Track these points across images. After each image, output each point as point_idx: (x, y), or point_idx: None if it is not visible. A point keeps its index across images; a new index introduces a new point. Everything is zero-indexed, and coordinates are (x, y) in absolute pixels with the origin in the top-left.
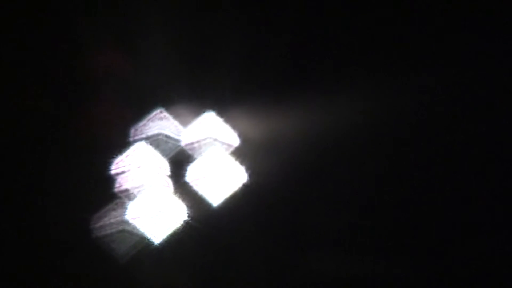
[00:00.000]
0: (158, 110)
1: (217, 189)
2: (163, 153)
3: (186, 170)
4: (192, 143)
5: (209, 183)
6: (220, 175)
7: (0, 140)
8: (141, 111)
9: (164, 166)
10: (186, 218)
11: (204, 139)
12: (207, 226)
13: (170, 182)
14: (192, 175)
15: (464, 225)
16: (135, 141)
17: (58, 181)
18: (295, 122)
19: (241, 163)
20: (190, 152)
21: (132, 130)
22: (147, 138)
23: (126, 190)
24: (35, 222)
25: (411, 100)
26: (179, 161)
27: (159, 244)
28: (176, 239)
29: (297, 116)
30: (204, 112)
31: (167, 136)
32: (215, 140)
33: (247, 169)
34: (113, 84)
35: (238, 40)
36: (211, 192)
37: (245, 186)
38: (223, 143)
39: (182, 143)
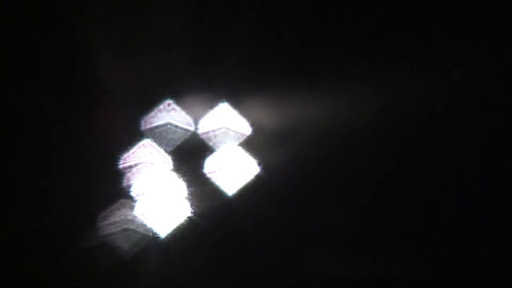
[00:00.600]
0: (166, 102)
1: (229, 182)
2: (172, 142)
3: (197, 163)
4: (205, 134)
5: (220, 176)
6: (232, 167)
7: (7, 139)
8: (150, 105)
9: (172, 161)
10: (192, 214)
11: (217, 130)
12: (214, 221)
13: (178, 177)
14: (203, 168)
15: (466, 225)
16: (143, 132)
17: (64, 179)
18: (309, 113)
19: (254, 154)
20: (201, 143)
21: (141, 122)
22: (155, 128)
23: (133, 187)
24: (39, 220)
25: (431, 93)
26: (190, 153)
27: (164, 241)
28: (182, 236)
29: (311, 107)
30: (217, 103)
31: (176, 126)
32: (228, 131)
33: (260, 161)
34: (121, 78)
35: (251, 30)
36: (222, 185)
37: (257, 178)
38: (236, 134)
39: (193, 134)
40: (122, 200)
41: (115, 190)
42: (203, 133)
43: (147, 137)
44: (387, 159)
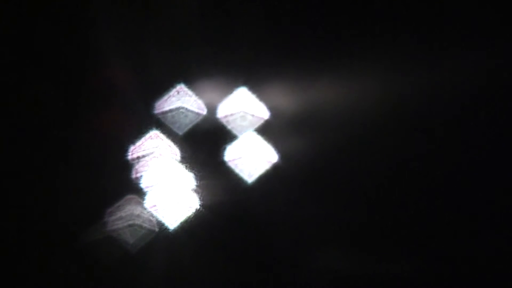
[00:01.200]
0: (178, 87)
1: (244, 172)
2: (183, 126)
3: (210, 152)
4: (222, 119)
5: (235, 165)
6: (249, 155)
7: (13, 135)
8: (163, 90)
9: (182, 152)
10: (202, 207)
11: (234, 115)
12: (224, 215)
13: (188, 169)
14: (216, 157)
15: (471, 223)
16: (151, 124)
17: (71, 174)
18: (331, 98)
19: (272, 142)
20: (216, 131)
21: (149, 113)
22: (167, 113)
23: (141, 180)
24: (46, 214)
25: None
26: (202, 142)
27: (172, 235)
28: (190, 230)
29: (333, 92)
30: (236, 88)
31: (187, 110)
32: (246, 115)
33: (278, 149)
34: (132, 64)
35: (270, 13)
36: (235, 176)
37: (274, 168)
38: (254, 119)
39: (210, 120)
40: (129, 195)
41: (122, 184)
42: (220, 118)
43: (155, 128)
44: (413, 149)
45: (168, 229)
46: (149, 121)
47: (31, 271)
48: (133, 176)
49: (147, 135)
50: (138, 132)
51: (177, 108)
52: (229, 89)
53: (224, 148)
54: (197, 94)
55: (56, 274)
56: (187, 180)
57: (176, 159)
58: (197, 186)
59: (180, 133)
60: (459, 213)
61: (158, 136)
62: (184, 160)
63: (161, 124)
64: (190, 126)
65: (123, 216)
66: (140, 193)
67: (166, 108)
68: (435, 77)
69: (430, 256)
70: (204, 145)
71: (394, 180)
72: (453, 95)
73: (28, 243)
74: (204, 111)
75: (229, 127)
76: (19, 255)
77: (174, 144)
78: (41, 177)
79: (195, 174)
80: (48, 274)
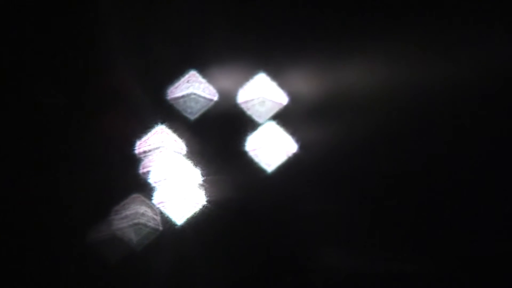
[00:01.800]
0: (190, 73)
1: (260, 164)
2: (194, 112)
3: (223, 141)
4: (238, 107)
5: (249, 157)
6: (266, 145)
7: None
8: (175, 76)
9: (189, 146)
10: (209, 204)
11: (252, 101)
12: (233, 212)
13: (194, 164)
14: (230, 148)
15: (475, 223)
16: (157, 119)
17: (75, 172)
18: (355, 83)
19: (292, 130)
20: (233, 118)
21: (161, 99)
22: (178, 99)
23: (147, 177)
24: (50, 213)
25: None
26: (216, 129)
27: (179, 233)
28: (197, 228)
29: (358, 76)
30: (255, 73)
31: (199, 96)
32: (264, 102)
33: (298, 138)
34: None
35: None
36: (250, 169)
37: (293, 158)
38: (272, 106)
39: (225, 106)
40: (134, 194)
41: (128, 181)
42: (238, 104)
43: (162, 123)
44: (435, 141)
45: (175, 226)
46: (155, 115)
47: (35, 270)
48: (140, 172)
49: (154, 130)
50: (144, 127)
51: (188, 94)
52: (247, 75)
53: (239, 138)
54: (213, 81)
55: (59, 273)
56: (194, 175)
57: (183, 154)
58: (204, 181)
59: (192, 118)
60: (469, 212)
61: (164, 130)
62: (192, 155)
63: (169, 117)
64: (201, 111)
65: (128, 215)
66: (146, 190)
67: (177, 95)
68: (462, 61)
69: (437, 256)
70: (216, 135)
71: (419, 171)
72: (481, 82)
73: (32, 242)
74: (215, 97)
75: (247, 113)
76: (22, 254)
77: (182, 138)
78: (45, 175)
79: (203, 169)
80: (52, 273)
